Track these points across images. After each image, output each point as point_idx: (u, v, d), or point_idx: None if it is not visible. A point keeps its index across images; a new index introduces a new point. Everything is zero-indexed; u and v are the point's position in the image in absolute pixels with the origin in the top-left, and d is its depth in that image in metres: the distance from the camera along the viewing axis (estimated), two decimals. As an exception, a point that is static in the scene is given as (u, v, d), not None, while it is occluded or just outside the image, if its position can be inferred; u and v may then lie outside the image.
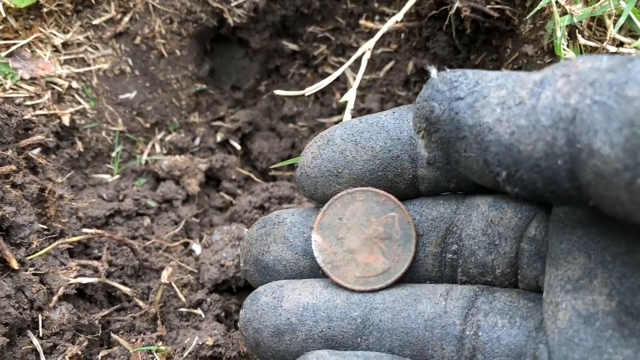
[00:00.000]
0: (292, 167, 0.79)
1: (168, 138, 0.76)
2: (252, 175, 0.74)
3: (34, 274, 0.49)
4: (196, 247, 0.66)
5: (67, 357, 0.47)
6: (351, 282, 0.39)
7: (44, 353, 0.47)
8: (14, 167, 0.50)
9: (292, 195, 0.70)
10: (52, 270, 0.50)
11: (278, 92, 0.51)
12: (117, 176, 0.69)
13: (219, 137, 0.79)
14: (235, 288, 0.63)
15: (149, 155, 0.73)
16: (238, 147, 0.78)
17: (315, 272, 0.40)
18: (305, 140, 0.79)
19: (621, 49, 0.47)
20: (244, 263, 0.44)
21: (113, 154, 0.71)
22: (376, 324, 0.36)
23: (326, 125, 0.80)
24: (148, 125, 0.74)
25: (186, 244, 0.66)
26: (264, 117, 0.81)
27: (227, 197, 0.74)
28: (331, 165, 0.38)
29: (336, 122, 0.81)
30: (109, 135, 0.70)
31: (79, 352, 0.48)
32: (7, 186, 0.49)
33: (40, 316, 0.48)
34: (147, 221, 0.66)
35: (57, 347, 0.48)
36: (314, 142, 0.40)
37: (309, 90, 0.51)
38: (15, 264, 0.47)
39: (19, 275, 0.48)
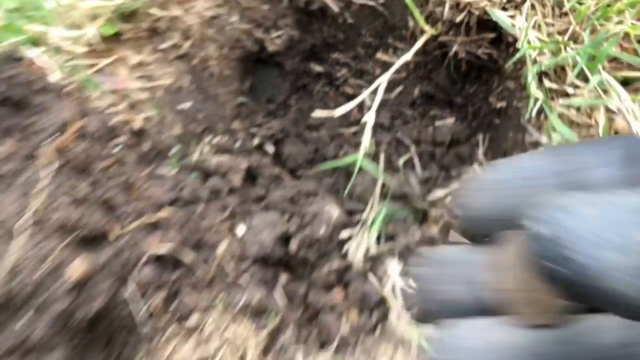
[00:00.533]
0: (316, 162, 0.92)
1: (214, 141, 0.89)
2: (282, 174, 0.88)
3: (126, 244, 0.63)
4: (240, 230, 0.79)
5: (151, 306, 0.61)
6: (533, 318, 0.40)
7: (134, 303, 0.61)
8: (112, 161, 0.64)
9: (316, 191, 0.84)
10: (138, 241, 0.64)
11: (315, 113, 0.65)
12: (176, 170, 0.83)
13: (256, 142, 0.93)
14: (272, 263, 0.77)
15: (200, 154, 0.87)
16: (271, 150, 0.92)
17: (490, 310, 0.42)
18: (326, 146, 0.93)
19: (577, 91, 0.61)
20: (422, 302, 0.44)
21: (171, 153, 0.85)
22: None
23: (344, 134, 0.93)
24: (199, 130, 0.88)
25: (231, 227, 0.80)
26: (292, 126, 0.95)
27: (262, 191, 0.87)
28: (491, 208, 0.40)
29: (354, 133, 0.94)
30: (169, 138, 0.84)
31: (160, 304, 0.62)
32: (108, 177, 0.63)
33: (130, 276, 0.62)
34: (200, 207, 0.80)
35: (144, 298, 0.62)
36: (472, 187, 0.40)
37: (339, 112, 0.65)
38: (114, 236, 0.61)
39: (116, 244, 0.62)
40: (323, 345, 0.71)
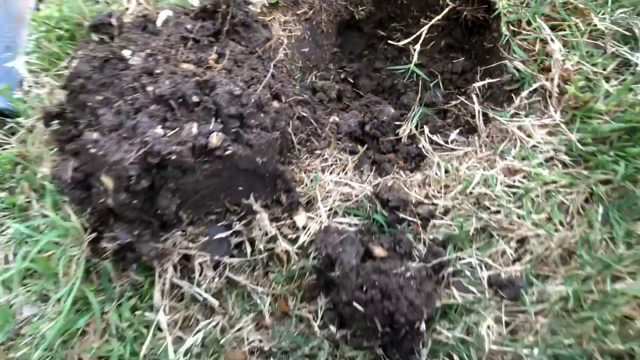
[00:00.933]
0: (378, 91, 1.42)
1: (319, 74, 1.40)
2: (362, 94, 1.39)
3: (288, 105, 1.13)
4: (336, 119, 1.29)
5: (299, 139, 1.12)
6: None
7: (292, 134, 1.11)
8: (280, 65, 1.15)
9: (380, 102, 1.34)
10: (293, 106, 1.14)
11: (390, 42, 1.15)
12: (298, 87, 1.34)
13: (342, 76, 1.43)
14: (354, 137, 1.27)
15: (310, 80, 1.38)
16: (351, 81, 1.42)
17: None
18: (384, 80, 1.42)
19: (527, 31, 1.09)
20: None
21: (296, 76, 1.36)
22: None
23: (396, 74, 1.43)
24: (311, 65, 1.38)
25: (330, 117, 1.30)
26: (364, 68, 1.45)
27: (347, 103, 1.37)
28: None
29: (402, 73, 1.43)
30: (295, 68, 1.35)
31: (302, 140, 1.12)
32: (280, 71, 1.14)
33: (290, 121, 1.12)
34: (323, 107, 1.30)
35: (295, 134, 1.12)
36: None
37: (403, 43, 1.15)
38: (284, 100, 1.12)
39: (284, 104, 1.12)
40: (382, 175, 1.20)
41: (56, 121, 1.08)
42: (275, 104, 1.03)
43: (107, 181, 0.92)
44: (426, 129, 1.17)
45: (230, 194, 1.00)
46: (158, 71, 0.94)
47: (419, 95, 1.28)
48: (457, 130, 1.15)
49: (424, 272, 0.92)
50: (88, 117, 0.97)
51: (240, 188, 1.00)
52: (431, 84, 1.29)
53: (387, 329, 0.88)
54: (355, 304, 0.89)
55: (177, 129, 0.91)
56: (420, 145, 1.18)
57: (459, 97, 1.26)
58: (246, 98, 0.94)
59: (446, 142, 1.14)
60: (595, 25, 1.04)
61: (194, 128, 0.91)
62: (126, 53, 0.98)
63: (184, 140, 0.90)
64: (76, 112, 1.04)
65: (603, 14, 1.06)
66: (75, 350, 1.09)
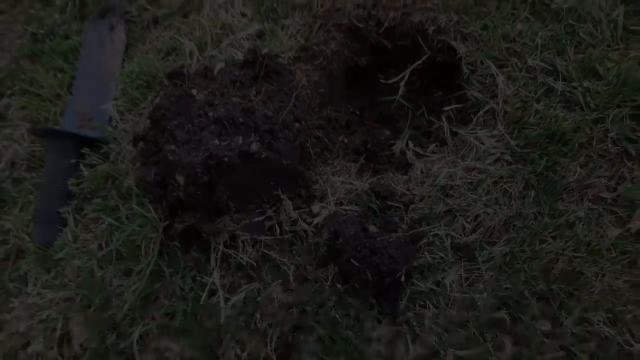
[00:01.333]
0: (382, 119, 1.79)
1: (332, 108, 1.78)
2: (366, 122, 1.76)
3: (308, 128, 1.51)
4: (345, 139, 1.66)
5: (315, 153, 1.49)
6: None
7: (311, 148, 1.48)
8: (301, 99, 1.54)
9: (380, 127, 1.70)
10: (312, 129, 1.52)
11: (383, 80, 1.52)
12: (316, 117, 1.72)
13: (350, 109, 1.81)
14: (359, 152, 1.63)
15: (326, 113, 1.76)
16: (358, 113, 1.80)
17: None
18: (385, 111, 1.79)
19: (481, 68, 1.45)
20: None
21: (314, 110, 1.74)
22: None
23: (391, 106, 1.79)
24: (326, 102, 1.77)
25: (339, 138, 1.67)
26: (368, 102, 1.83)
27: (355, 128, 1.74)
28: None
29: (395, 104, 1.80)
30: (314, 104, 1.74)
31: (317, 153, 1.49)
32: (300, 102, 1.53)
33: (309, 138, 1.50)
34: (334, 131, 1.67)
35: (312, 148, 1.49)
36: None
37: (394, 80, 1.52)
38: (304, 123, 1.49)
39: (304, 127, 1.50)
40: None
41: (141, 142, 1.49)
42: (297, 124, 1.41)
43: (180, 178, 1.30)
44: (411, 144, 1.52)
45: (265, 188, 1.37)
46: (216, 103, 1.34)
47: (409, 122, 1.64)
48: (434, 144, 1.50)
49: (402, 239, 1.25)
50: (166, 137, 1.37)
51: (272, 183, 1.37)
52: (418, 113, 1.66)
53: (376, 278, 1.20)
54: (352, 260, 1.22)
55: (228, 140, 1.29)
56: (407, 157, 1.53)
57: (437, 121, 1.61)
58: (276, 119, 1.32)
59: (425, 153, 1.48)
60: (529, 63, 1.40)
61: (240, 139, 1.29)
62: (194, 92, 1.38)
63: (233, 148, 1.28)
64: (157, 134, 1.44)
65: (534, 55, 1.41)
66: (150, 310, 1.45)
